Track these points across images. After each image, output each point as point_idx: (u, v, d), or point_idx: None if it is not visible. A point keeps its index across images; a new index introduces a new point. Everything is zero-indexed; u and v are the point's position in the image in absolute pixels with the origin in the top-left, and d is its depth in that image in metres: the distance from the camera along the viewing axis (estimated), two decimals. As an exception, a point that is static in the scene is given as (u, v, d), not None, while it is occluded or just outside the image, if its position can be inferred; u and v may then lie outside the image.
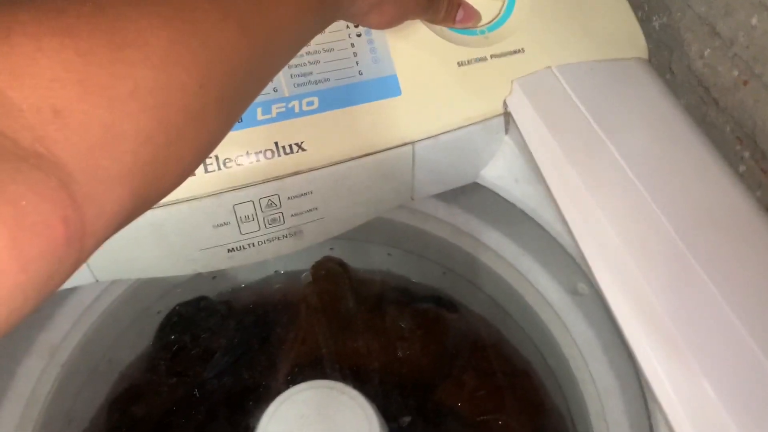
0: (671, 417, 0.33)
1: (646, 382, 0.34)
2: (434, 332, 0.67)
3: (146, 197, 0.22)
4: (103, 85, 0.19)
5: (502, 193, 0.46)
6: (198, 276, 0.65)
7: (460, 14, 0.42)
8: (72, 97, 0.19)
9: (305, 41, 0.31)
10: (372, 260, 0.70)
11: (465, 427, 0.60)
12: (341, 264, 0.69)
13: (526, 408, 0.61)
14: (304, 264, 0.69)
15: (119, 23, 0.20)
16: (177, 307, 0.65)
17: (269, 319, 0.67)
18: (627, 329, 0.36)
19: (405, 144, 0.42)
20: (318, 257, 0.68)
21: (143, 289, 0.56)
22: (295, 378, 0.59)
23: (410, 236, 0.59)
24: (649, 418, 0.37)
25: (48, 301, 0.45)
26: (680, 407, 0.33)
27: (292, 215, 0.42)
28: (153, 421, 0.60)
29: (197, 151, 0.24)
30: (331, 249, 0.69)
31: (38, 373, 0.45)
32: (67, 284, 0.41)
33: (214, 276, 0.68)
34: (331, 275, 0.69)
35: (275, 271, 0.71)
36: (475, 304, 0.65)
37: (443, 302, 0.69)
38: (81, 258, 0.20)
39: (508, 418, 0.60)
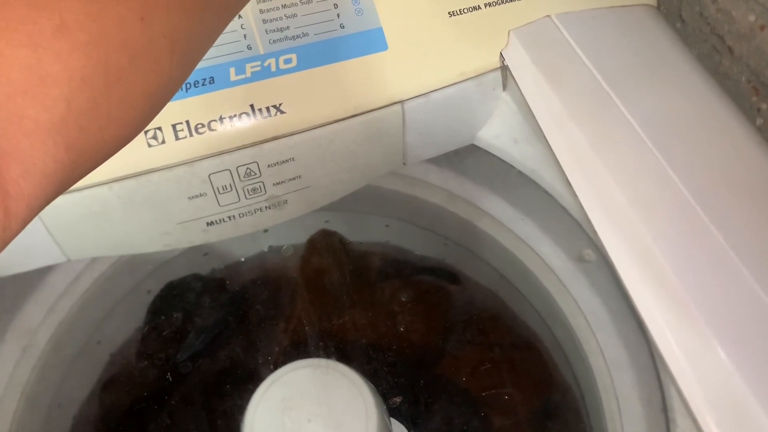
0: (685, 389, 0.30)
1: (658, 353, 0.31)
2: (435, 305, 0.64)
3: (88, 152, 0.19)
4: (21, 19, 0.16)
5: (500, 155, 0.42)
6: (189, 253, 0.62)
7: None
8: None
9: None
10: (370, 232, 0.67)
11: (469, 403, 0.58)
12: (338, 237, 0.66)
13: (532, 382, 0.58)
14: (300, 238, 0.66)
15: None
16: (167, 286, 0.62)
17: (264, 295, 0.65)
18: (637, 297, 0.33)
19: (393, 103, 0.39)
20: (313, 230, 0.66)
21: (128, 267, 0.53)
22: (290, 357, 0.57)
23: (406, 205, 0.56)
24: (661, 390, 0.35)
25: (20, 284, 0.43)
26: (694, 378, 0.30)
27: (274, 184, 0.39)
28: (146, 403, 0.58)
29: (148, 96, 0.21)
30: (326, 222, 0.66)
31: (15, 359, 0.43)
32: (38, 264, 0.39)
33: (206, 252, 0.65)
34: (327, 249, 0.66)
35: (269, 246, 0.68)
36: (478, 275, 0.62)
37: (444, 274, 0.66)
38: (9, 225, 0.17)
39: (514, 392, 0.58)
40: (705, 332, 0.31)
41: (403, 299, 0.64)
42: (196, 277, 0.64)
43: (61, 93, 0.17)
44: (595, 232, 0.36)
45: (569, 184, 0.37)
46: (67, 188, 0.20)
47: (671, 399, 0.32)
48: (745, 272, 0.32)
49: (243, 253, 0.67)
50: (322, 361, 0.44)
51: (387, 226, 0.66)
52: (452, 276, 0.66)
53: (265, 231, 0.66)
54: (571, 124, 0.37)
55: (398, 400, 0.52)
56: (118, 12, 0.18)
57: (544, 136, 0.38)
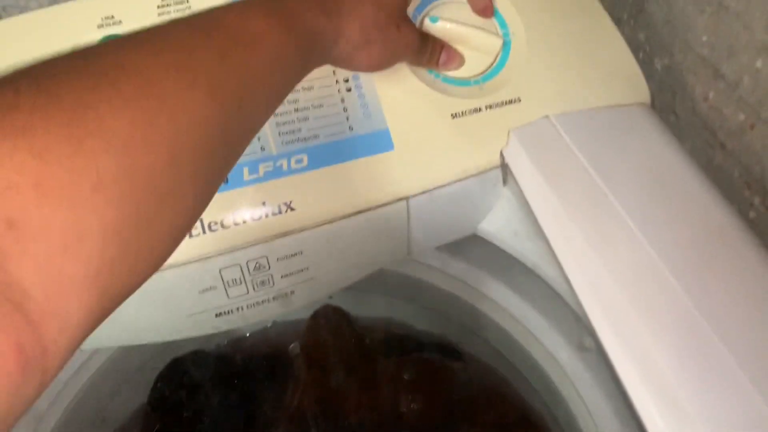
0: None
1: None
2: (439, 383, 0.64)
3: (116, 295, 0.20)
4: (63, 183, 0.18)
5: (501, 246, 0.44)
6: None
7: (443, 57, 0.41)
8: (29, 203, 0.17)
9: (285, 92, 0.29)
10: (372, 308, 0.68)
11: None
12: (341, 312, 0.67)
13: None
14: (304, 313, 0.67)
15: (77, 112, 0.19)
16: (172, 362, 0.63)
17: (266, 371, 0.65)
18: (635, 396, 0.34)
19: (399, 200, 0.40)
20: (317, 306, 0.66)
21: (133, 348, 0.54)
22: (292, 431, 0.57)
23: (409, 287, 0.57)
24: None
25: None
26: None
27: (282, 276, 0.40)
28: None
29: (173, 234, 0.22)
30: (330, 297, 0.67)
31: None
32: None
33: (211, 328, 0.66)
34: (330, 325, 0.67)
35: (274, 321, 0.69)
36: (480, 353, 0.63)
37: (448, 350, 0.66)
38: (45, 380, 0.18)
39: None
40: (695, 425, 0.32)
41: (406, 377, 0.64)
42: (201, 352, 0.65)
43: (96, 246, 0.18)
44: (594, 329, 0.36)
45: (568, 281, 0.38)
46: (95, 328, 0.21)
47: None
48: (740, 375, 0.33)
49: (247, 328, 0.68)
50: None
51: (390, 303, 0.67)
52: (455, 352, 0.66)
53: (270, 307, 0.67)
54: (568, 222, 0.38)
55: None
56: (149, 161, 0.20)
57: (544, 233, 0.40)
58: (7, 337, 0.16)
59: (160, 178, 0.20)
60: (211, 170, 0.24)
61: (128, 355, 0.54)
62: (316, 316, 0.67)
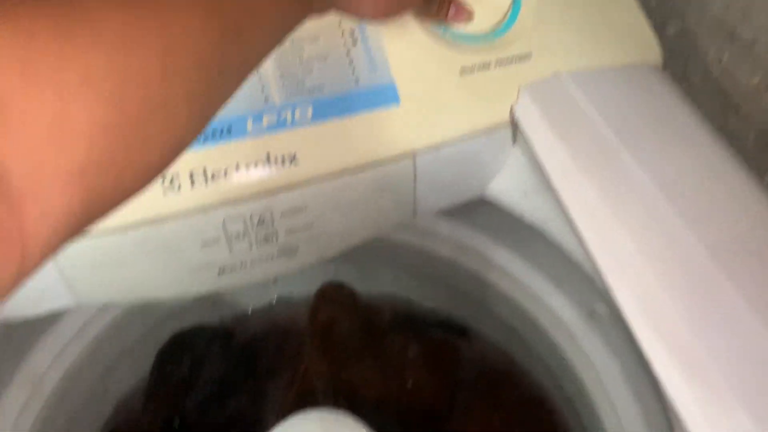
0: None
1: (676, 416, 0.31)
2: (443, 360, 0.64)
3: (103, 199, 0.20)
4: (50, 70, 0.17)
5: (510, 208, 0.43)
6: (197, 303, 0.62)
7: (451, 11, 0.40)
8: (14, 83, 0.16)
9: (287, 29, 0.28)
10: (378, 284, 0.67)
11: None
12: (347, 289, 0.66)
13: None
14: (308, 289, 0.66)
15: (65, 7, 0.18)
16: (175, 336, 0.62)
17: (271, 347, 0.65)
18: (651, 354, 0.33)
19: (405, 156, 0.39)
20: (322, 281, 0.66)
21: (136, 316, 0.53)
22: (297, 408, 0.56)
23: (415, 257, 0.57)
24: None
25: (29, 329, 0.43)
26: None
27: (286, 232, 0.39)
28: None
29: (163, 149, 0.22)
30: (335, 273, 0.66)
31: (20, 405, 0.43)
32: (48, 307, 0.39)
33: (214, 302, 0.65)
34: (336, 300, 0.66)
35: (278, 297, 0.68)
36: (486, 328, 0.62)
37: (452, 327, 0.65)
38: (23, 268, 0.18)
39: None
40: (724, 393, 0.31)
41: (411, 354, 0.63)
42: (204, 327, 0.64)
43: (83, 142, 0.18)
44: (607, 286, 0.35)
45: (580, 238, 0.37)
46: (80, 233, 0.20)
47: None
48: (764, 332, 0.32)
49: (251, 303, 0.67)
50: (331, 412, 0.43)
51: (395, 278, 0.66)
52: (461, 330, 0.65)
53: (274, 282, 0.66)
54: (581, 177, 0.38)
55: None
56: (141, 67, 0.19)
57: (555, 190, 0.39)
58: None
59: (152, 87, 0.20)
60: (206, 95, 0.23)
61: (129, 323, 0.53)
62: (321, 292, 0.66)
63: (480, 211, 0.50)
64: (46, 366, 0.45)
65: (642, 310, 0.34)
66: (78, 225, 0.19)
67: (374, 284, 0.67)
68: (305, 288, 0.66)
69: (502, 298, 0.52)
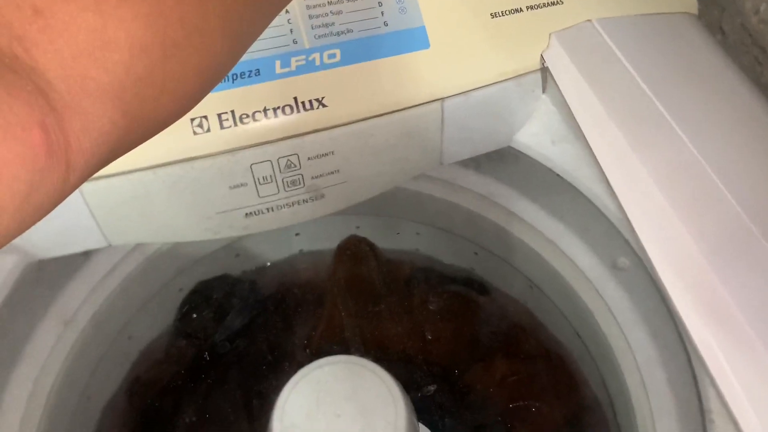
0: (727, 393, 0.30)
1: (701, 362, 0.31)
2: (464, 315, 0.64)
3: (141, 120, 0.20)
4: None
5: (538, 157, 0.42)
6: (221, 253, 0.63)
7: None
8: None
9: None
10: (400, 240, 0.67)
11: (496, 414, 0.57)
12: (368, 244, 0.67)
13: (560, 394, 0.57)
14: (330, 243, 0.66)
15: None
16: (199, 284, 0.63)
17: (293, 299, 0.65)
18: (677, 302, 0.32)
19: (433, 101, 0.39)
20: (344, 236, 0.66)
21: (159, 262, 0.54)
22: (319, 357, 0.57)
23: (438, 209, 0.56)
24: (697, 389, 0.34)
25: (60, 270, 0.43)
26: (736, 381, 0.30)
27: (313, 177, 0.40)
28: (172, 400, 0.58)
29: (200, 74, 0.22)
30: (357, 227, 0.67)
31: (53, 340, 0.44)
32: (79, 247, 0.40)
33: (238, 254, 0.66)
34: (357, 256, 0.66)
35: (300, 250, 0.69)
36: (508, 285, 0.62)
37: (474, 284, 0.66)
38: (68, 177, 0.18)
39: (542, 405, 0.57)
40: (747, 336, 0.31)
41: (432, 308, 0.64)
42: (228, 277, 0.65)
43: (122, 58, 0.18)
44: (634, 234, 0.35)
45: (609, 185, 0.37)
46: (120, 155, 0.20)
47: (708, 400, 0.31)
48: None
49: (274, 256, 0.68)
50: (354, 358, 0.44)
51: (417, 233, 0.66)
52: (482, 287, 0.66)
53: (297, 234, 0.67)
54: (611, 124, 0.37)
55: (432, 388, 0.51)
56: None
57: (584, 137, 0.38)
58: (31, 111, 0.15)
59: (188, 7, 0.20)
60: (241, 17, 0.23)
61: (151, 270, 0.54)
62: (342, 247, 0.66)
63: (505, 164, 0.50)
64: (75, 307, 0.46)
65: (670, 258, 0.34)
66: (117, 145, 0.19)
67: (395, 241, 0.67)
68: (327, 243, 0.66)
69: (524, 250, 0.52)
